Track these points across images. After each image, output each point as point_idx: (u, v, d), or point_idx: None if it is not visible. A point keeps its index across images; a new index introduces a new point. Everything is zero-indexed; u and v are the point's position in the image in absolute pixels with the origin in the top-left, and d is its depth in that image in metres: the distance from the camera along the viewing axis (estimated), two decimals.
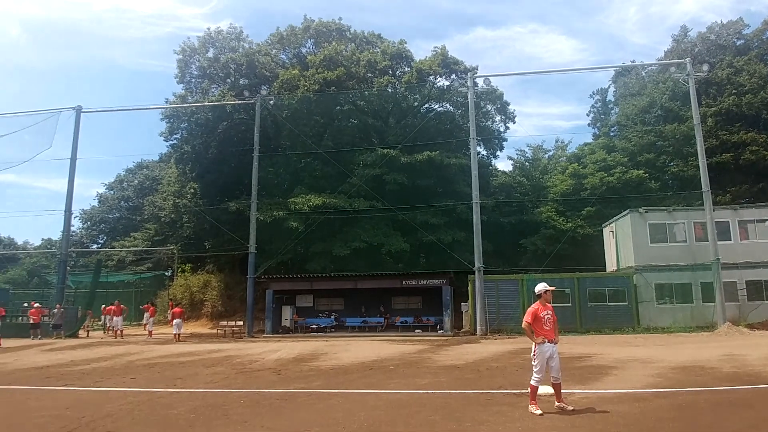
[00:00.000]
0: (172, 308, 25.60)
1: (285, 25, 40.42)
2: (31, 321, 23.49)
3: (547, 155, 43.04)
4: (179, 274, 36.86)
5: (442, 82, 33.21)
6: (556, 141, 44.99)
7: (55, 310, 24.24)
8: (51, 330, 23.52)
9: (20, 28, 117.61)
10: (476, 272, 22.67)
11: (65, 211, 28.25)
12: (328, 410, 7.41)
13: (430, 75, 32.21)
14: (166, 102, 34.93)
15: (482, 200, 25.07)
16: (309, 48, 36.53)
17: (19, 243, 70.23)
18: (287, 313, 25.29)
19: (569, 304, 21.73)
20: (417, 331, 23.52)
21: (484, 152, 36.14)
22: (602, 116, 45.64)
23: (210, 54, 35.23)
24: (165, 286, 38.02)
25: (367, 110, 33.55)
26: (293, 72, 31.38)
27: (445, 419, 6.66)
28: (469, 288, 23.12)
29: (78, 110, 28.61)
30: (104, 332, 27.16)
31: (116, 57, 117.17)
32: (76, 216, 50.86)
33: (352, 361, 13.10)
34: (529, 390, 6.94)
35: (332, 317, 25.48)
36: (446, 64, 31.86)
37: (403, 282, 24.09)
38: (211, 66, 34.53)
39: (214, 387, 9.59)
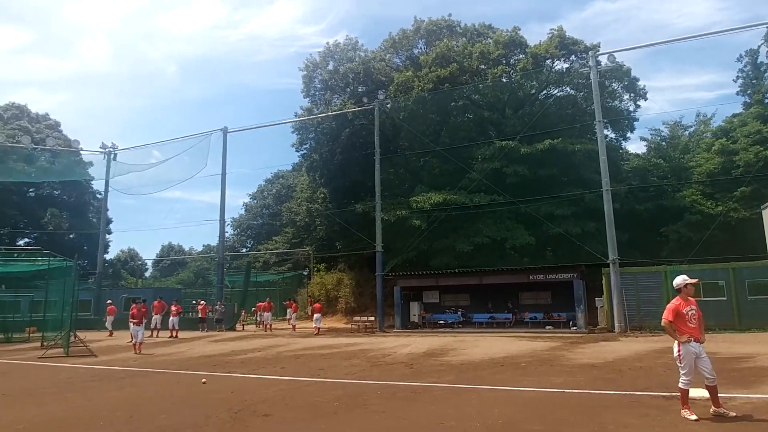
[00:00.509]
0: (311, 304, 27.60)
1: (396, 29, 41.24)
2: (200, 316, 26.89)
3: (687, 132, 38.42)
4: (315, 273, 39.53)
5: (561, 65, 31.35)
6: (698, 115, 39.86)
7: (217, 307, 27.56)
8: (215, 324, 26.73)
9: (175, 66, 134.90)
10: (611, 265, 21.07)
11: (220, 220, 31.91)
12: (460, 405, 7.51)
13: (547, 59, 30.57)
14: (295, 115, 37.62)
15: (613, 187, 23.14)
16: (421, 48, 36.85)
17: (186, 249, 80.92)
18: (415, 309, 25.82)
19: (724, 298, 19.22)
20: (548, 327, 22.50)
21: (612, 135, 33.42)
22: (753, 81, 39.42)
23: (330, 66, 37.21)
24: (304, 284, 41.10)
25: (482, 103, 32.92)
26: (407, 74, 31.90)
27: (585, 420, 6.37)
28: (604, 282, 21.55)
29: (224, 131, 32.08)
30: (256, 326, 30.07)
31: (251, 80, 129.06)
32: (228, 224, 56.83)
33: (481, 357, 13.04)
34: (680, 394, 6.36)
35: (459, 313, 25.46)
36: (564, 45, 30.02)
37: (531, 277, 23.18)
38: (332, 78, 36.44)
39: (352, 378, 10.20)
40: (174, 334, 23.33)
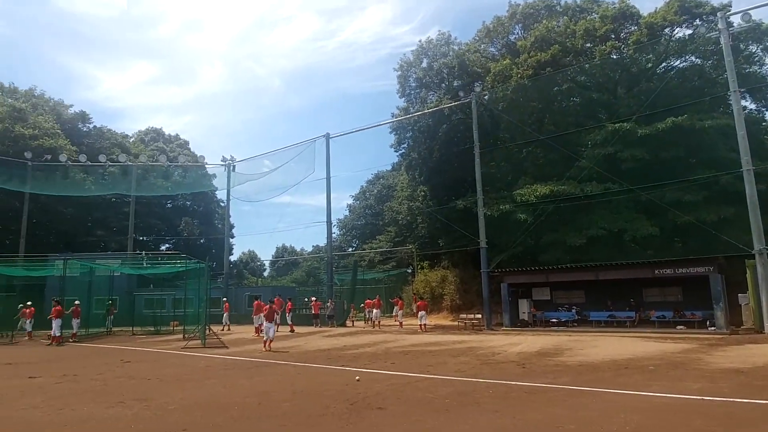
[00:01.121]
0: (416, 302, 27.86)
1: (490, 18, 40.09)
2: (313, 312, 28.42)
3: None
4: (419, 271, 39.83)
5: (682, 32, 28.08)
6: None
7: (329, 304, 28.92)
8: (326, 320, 28.07)
9: (279, 80, 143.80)
10: (756, 256, 18.50)
11: (327, 222, 33.43)
12: (579, 408, 7.13)
13: (665, 28, 27.53)
14: (392, 116, 38.19)
15: (756, 166, 20.10)
16: (517, 34, 35.39)
17: (297, 250, 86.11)
18: (524, 307, 24.95)
19: None
20: (679, 327, 20.30)
21: (752, 106, 29.28)
22: None
23: (424, 64, 37.19)
24: (408, 281, 41.61)
25: (589, 85, 30.76)
26: (504, 62, 30.82)
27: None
28: (748, 275, 18.99)
29: (327, 137, 33.54)
30: (365, 323, 31.06)
31: (349, 86, 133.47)
32: (335, 225, 59.34)
33: (601, 359, 12.25)
34: None
35: (573, 311, 24.13)
36: (685, 9, 26.76)
37: (656, 271, 20.99)
38: (426, 75, 36.39)
39: (461, 375, 10.14)
40: (292, 328, 24.96)
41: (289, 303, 26.51)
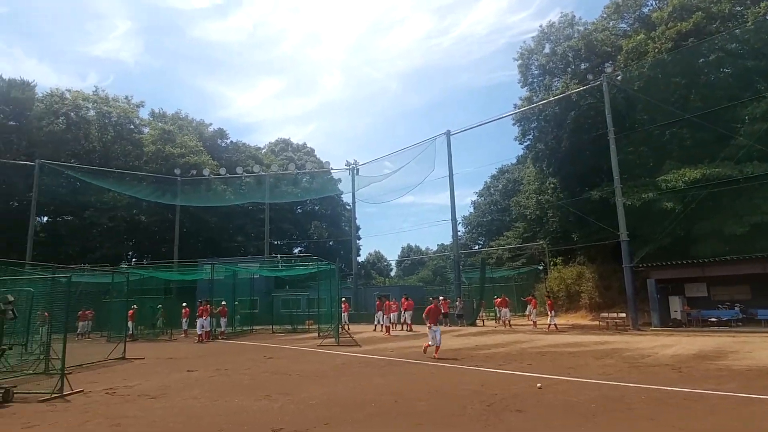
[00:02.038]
0: (549, 300, 26.69)
1: None
2: (441, 312, 28.65)
3: None
4: (552, 268, 38.05)
5: None
6: None
7: (457, 303, 28.94)
8: (455, 319, 28.10)
9: (396, 82, 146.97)
10: None
11: (451, 220, 33.46)
12: (752, 418, 6.32)
13: None
14: (515, 107, 36.99)
15: None
16: (652, 5, 32.25)
17: (423, 249, 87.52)
18: (676, 305, 22.58)
19: None
20: None
21: None
22: None
23: (546, 49, 35.46)
24: (540, 279, 39.96)
25: (742, 52, 26.87)
26: (638, 38, 28.23)
27: None
28: None
29: (447, 134, 33.55)
30: (495, 322, 30.49)
31: (467, 80, 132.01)
32: (459, 223, 59.17)
33: None
34: None
35: (736, 308, 21.29)
36: None
37: None
38: (550, 61, 34.69)
39: (607, 379, 9.52)
40: (410, 327, 25.48)
41: (410, 301, 27.03)
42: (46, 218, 48.07)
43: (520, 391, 8.62)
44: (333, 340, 19.40)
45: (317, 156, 62.19)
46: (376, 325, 25.87)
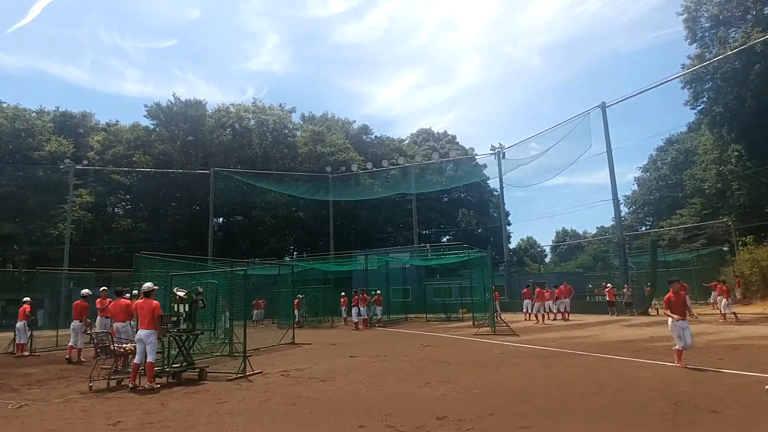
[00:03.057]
0: (738, 286, 23.20)
1: None
2: (607, 300, 26.63)
3: None
4: (741, 248, 32.95)
5: None
6: None
7: (625, 290, 26.64)
8: (623, 307, 25.88)
9: (539, 58, 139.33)
10: None
11: (612, 200, 30.78)
12: None
13: None
14: (682, 68, 32.81)
15: None
16: None
17: (580, 233, 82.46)
18: None
19: None
20: None
21: None
22: None
23: None
24: (727, 262, 34.90)
25: None
26: None
27: None
28: None
29: (602, 106, 30.82)
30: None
31: (620, 46, 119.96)
32: (622, 202, 54.45)
33: None
34: None
35: None
36: None
37: None
38: (723, 9, 30.06)
39: None
40: (565, 316, 24.22)
41: (567, 288, 25.44)
42: (221, 219, 55.28)
43: (713, 389, 7.58)
44: (489, 328, 19.16)
45: (460, 143, 61.94)
46: (526, 314, 25.08)
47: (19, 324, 16.32)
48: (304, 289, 29.11)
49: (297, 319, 25.34)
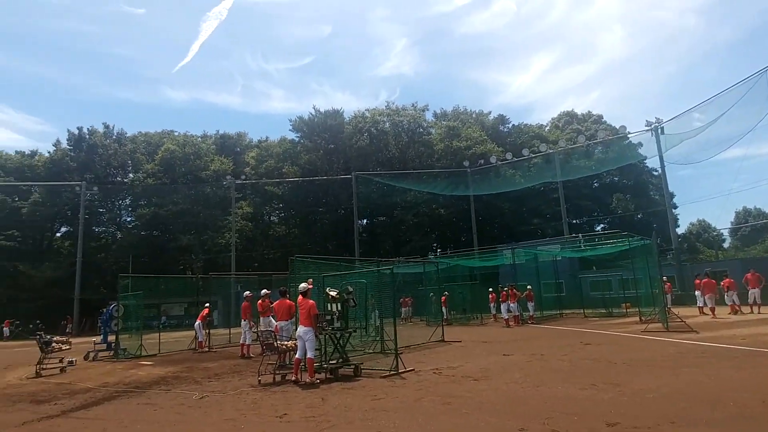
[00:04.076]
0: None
1: None
2: None
3: None
4: None
5: None
6: None
7: None
8: None
9: (695, 16, 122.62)
10: None
11: None
12: None
13: None
14: None
15: None
16: None
17: (765, 212, 71.04)
18: None
19: None
20: None
21: None
22: None
23: None
24: None
25: None
26: None
27: None
28: None
29: None
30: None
31: None
32: None
33: None
34: None
35: None
36: None
37: None
38: None
39: None
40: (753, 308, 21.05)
41: (756, 275, 21.91)
42: (365, 221, 57.89)
43: None
44: (659, 324, 17.28)
45: (608, 122, 57.11)
46: (702, 308, 22.23)
47: (196, 324, 18.79)
48: (449, 286, 29.14)
49: (445, 317, 25.43)
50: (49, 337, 14.80)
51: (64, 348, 14.78)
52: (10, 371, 15.25)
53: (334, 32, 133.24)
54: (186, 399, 9.17)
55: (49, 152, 55.90)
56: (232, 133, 65.63)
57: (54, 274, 46.98)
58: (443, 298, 25.68)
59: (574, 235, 39.14)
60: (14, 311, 42.16)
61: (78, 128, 55.18)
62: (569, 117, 60.48)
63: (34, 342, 15.02)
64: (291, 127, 59.56)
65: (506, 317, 24.09)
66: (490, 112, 62.68)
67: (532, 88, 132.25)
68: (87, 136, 54.97)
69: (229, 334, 21.88)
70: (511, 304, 23.98)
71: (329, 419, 7.02)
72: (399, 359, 11.07)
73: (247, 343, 16.03)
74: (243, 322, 16.44)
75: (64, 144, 55.44)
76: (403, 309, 31.46)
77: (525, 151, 44.60)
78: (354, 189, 47.86)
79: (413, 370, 11.08)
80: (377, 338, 15.26)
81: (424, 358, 13.20)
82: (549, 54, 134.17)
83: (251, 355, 15.54)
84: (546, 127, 61.28)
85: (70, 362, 14.71)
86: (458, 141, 53.25)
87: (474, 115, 62.06)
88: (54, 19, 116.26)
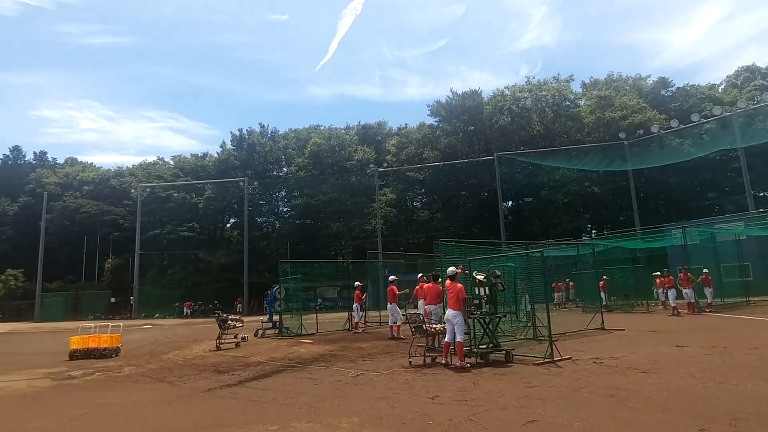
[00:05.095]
0: None
1: None
2: None
3: None
4: None
5: None
6: None
7: None
8: None
9: None
10: None
11: None
12: None
13: None
14: None
15: None
16: None
17: None
18: None
19: None
20: None
21: None
22: None
23: None
24: None
25: None
26: None
27: None
28: None
29: None
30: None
31: None
32: None
33: None
34: None
35: None
36: None
37: None
38: None
39: None
40: None
41: None
42: (510, 202, 56.22)
43: None
44: None
45: None
46: None
47: (354, 305, 19.97)
48: (607, 269, 27.10)
49: (604, 303, 23.75)
50: (225, 315, 16.91)
51: (237, 325, 16.83)
52: (196, 344, 17.72)
53: (467, 11, 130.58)
54: (343, 376, 9.79)
55: (217, 153, 63.74)
56: (373, 123, 68.06)
57: (227, 260, 53.54)
58: (602, 282, 24.00)
59: (761, 210, 33.78)
60: (197, 293, 49.27)
61: (239, 130, 61.86)
62: (749, 72, 52.04)
63: (213, 320, 17.32)
64: (429, 112, 59.80)
65: (674, 304, 21.74)
66: (648, 76, 56.39)
67: (699, 45, 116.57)
68: (246, 137, 61.29)
69: (379, 315, 22.92)
70: (685, 290, 21.53)
71: (482, 404, 6.96)
72: (554, 346, 10.59)
73: (397, 323, 16.64)
74: (389, 305, 17.07)
75: (229, 145, 62.62)
76: (555, 294, 30.07)
77: (694, 116, 39.47)
78: (497, 170, 46.65)
79: (570, 358, 10.53)
80: (529, 323, 14.77)
81: (581, 347, 12.46)
82: (719, 2, 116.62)
83: (401, 336, 16.07)
84: (720, 86, 53.49)
85: (243, 338, 16.66)
86: (611, 111, 48.88)
87: (630, 81, 56.41)
88: (215, 35, 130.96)
